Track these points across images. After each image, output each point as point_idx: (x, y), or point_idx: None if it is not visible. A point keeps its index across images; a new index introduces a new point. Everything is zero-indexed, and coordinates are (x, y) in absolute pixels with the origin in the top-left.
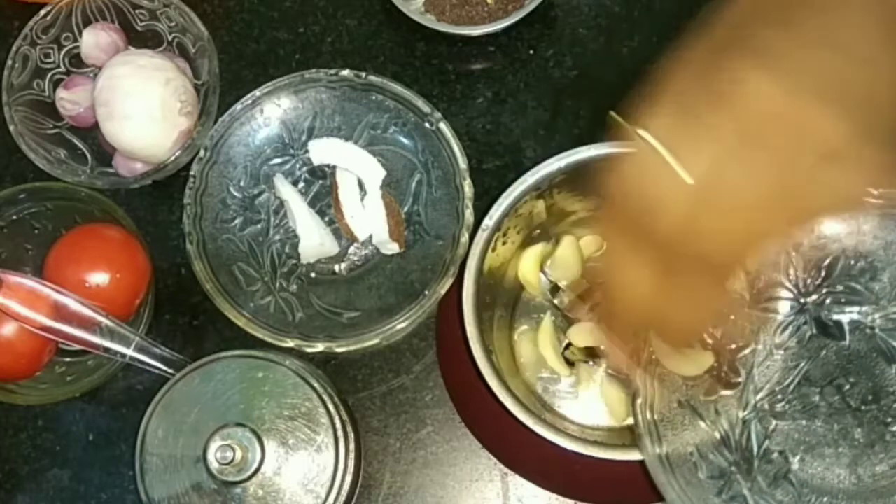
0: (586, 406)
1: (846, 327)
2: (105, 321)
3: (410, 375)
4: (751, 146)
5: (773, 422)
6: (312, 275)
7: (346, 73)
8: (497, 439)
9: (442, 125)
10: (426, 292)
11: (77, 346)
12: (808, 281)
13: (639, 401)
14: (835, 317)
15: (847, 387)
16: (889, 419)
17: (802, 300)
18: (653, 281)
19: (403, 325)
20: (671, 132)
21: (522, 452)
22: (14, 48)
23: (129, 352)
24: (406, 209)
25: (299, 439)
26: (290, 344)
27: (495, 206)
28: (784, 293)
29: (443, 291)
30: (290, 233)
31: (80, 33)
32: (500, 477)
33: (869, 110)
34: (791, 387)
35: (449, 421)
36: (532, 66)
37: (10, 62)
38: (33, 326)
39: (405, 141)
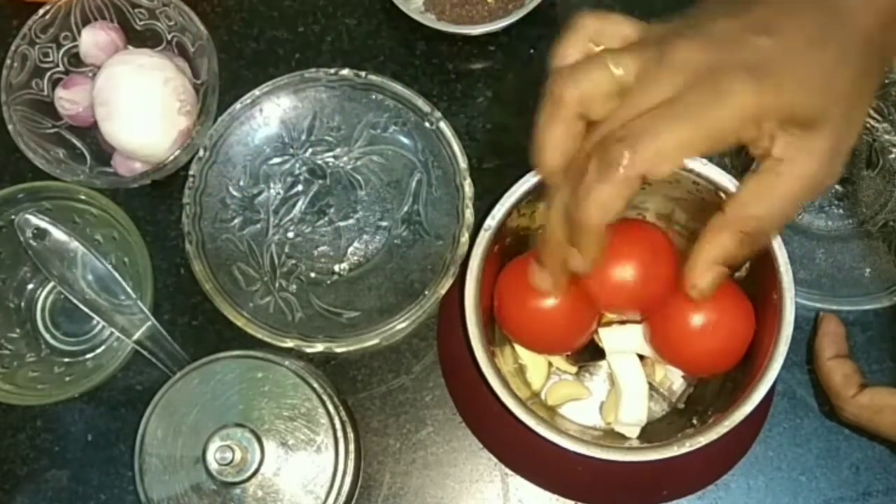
0: (587, 406)
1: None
2: (125, 297)
3: (410, 375)
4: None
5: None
6: (312, 275)
7: (345, 72)
8: (498, 440)
9: (442, 124)
10: (426, 292)
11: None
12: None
13: None
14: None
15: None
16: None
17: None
18: None
19: (403, 325)
20: None
21: (524, 453)
22: (13, 47)
23: (139, 335)
24: (406, 209)
25: (299, 440)
26: (290, 344)
27: (498, 206)
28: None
29: (443, 291)
30: (289, 233)
31: (79, 32)
32: (501, 477)
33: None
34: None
35: (449, 421)
36: (532, 65)
37: (8, 61)
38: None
39: (405, 140)
